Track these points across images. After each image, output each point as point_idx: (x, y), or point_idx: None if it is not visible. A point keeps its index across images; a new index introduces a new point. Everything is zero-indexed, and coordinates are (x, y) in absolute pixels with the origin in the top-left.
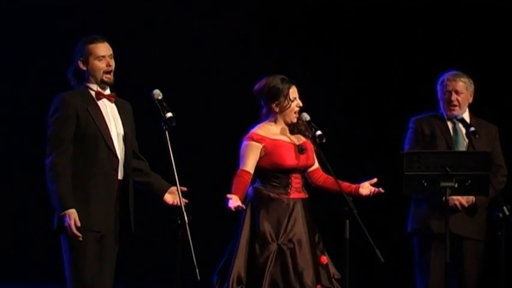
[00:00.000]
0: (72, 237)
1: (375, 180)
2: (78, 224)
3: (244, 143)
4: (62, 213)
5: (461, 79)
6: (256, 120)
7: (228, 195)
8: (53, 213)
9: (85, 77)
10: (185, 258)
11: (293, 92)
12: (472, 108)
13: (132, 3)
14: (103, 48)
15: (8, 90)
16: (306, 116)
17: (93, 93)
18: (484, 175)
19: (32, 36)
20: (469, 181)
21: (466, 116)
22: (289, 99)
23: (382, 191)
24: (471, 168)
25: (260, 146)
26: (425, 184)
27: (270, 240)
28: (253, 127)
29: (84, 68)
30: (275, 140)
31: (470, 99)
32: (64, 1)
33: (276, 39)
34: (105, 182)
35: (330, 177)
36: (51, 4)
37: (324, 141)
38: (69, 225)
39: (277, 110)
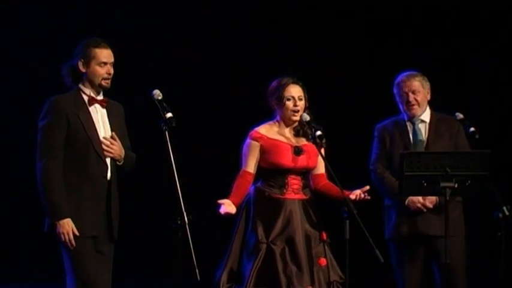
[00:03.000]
0: (66, 244)
1: (367, 187)
2: (76, 233)
3: (246, 141)
4: (57, 222)
5: (416, 78)
6: (257, 120)
7: (220, 201)
8: (44, 216)
9: (81, 78)
10: (185, 258)
11: (292, 91)
12: (431, 103)
13: (133, 2)
14: (106, 55)
15: (5, 91)
16: (306, 116)
17: (85, 97)
18: (484, 175)
19: (31, 36)
20: (469, 181)
21: (427, 114)
22: (284, 96)
23: (368, 198)
24: (471, 168)
25: (258, 144)
26: (425, 184)
27: (260, 238)
28: (258, 125)
29: (84, 70)
30: (273, 139)
31: (429, 97)
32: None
33: (278, 39)
34: (95, 188)
35: (328, 182)
36: (51, 3)
37: (324, 141)
38: (64, 234)
39: (275, 107)
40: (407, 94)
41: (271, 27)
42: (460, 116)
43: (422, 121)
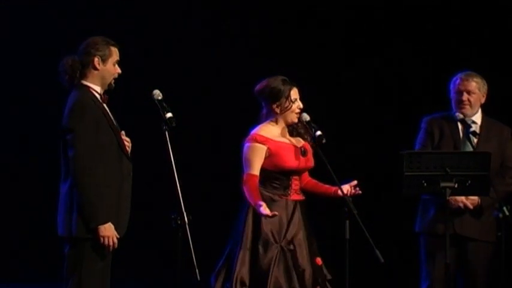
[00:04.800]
0: (106, 247)
1: (355, 182)
2: (117, 236)
3: (248, 145)
4: (100, 226)
5: (474, 79)
6: (256, 120)
7: (259, 202)
8: (69, 219)
9: (89, 75)
10: (185, 258)
11: (294, 93)
12: (484, 108)
13: (132, 2)
14: (118, 54)
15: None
16: (306, 116)
17: (97, 95)
18: (484, 175)
19: (30, 36)
20: (469, 181)
21: (478, 116)
22: (290, 100)
23: (360, 192)
24: (471, 168)
25: (264, 147)
26: (425, 184)
27: (272, 241)
28: (253, 128)
29: (99, 68)
30: (278, 141)
31: (483, 100)
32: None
33: (277, 39)
34: (127, 187)
35: (312, 180)
36: (49, 3)
37: (324, 141)
38: (109, 237)
39: (278, 110)
40: (461, 93)
41: (270, 26)
42: (460, 116)
43: (474, 122)
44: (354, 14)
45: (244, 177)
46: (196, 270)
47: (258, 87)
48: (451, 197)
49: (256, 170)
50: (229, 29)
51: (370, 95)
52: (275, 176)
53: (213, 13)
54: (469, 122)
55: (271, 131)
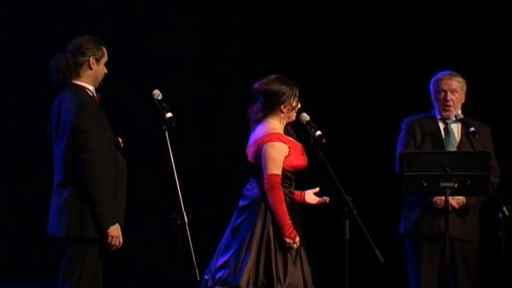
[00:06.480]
0: (112, 247)
1: (317, 189)
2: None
3: (273, 144)
4: (111, 226)
5: (456, 78)
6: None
7: (297, 236)
8: (80, 221)
9: (83, 75)
10: (185, 258)
11: (298, 92)
12: (465, 108)
13: (132, 2)
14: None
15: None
16: (306, 116)
17: (90, 94)
18: (484, 175)
19: (30, 36)
20: (469, 181)
21: (460, 116)
22: (297, 100)
23: (327, 201)
24: (471, 168)
25: (286, 146)
26: (425, 184)
27: (297, 241)
28: (263, 127)
29: (93, 67)
30: (291, 140)
31: (463, 99)
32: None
33: (274, 39)
34: (123, 185)
35: None
36: (49, 3)
37: (323, 141)
38: (117, 238)
39: (285, 110)
40: (445, 93)
41: (270, 26)
42: (460, 115)
43: (455, 121)
44: (354, 13)
45: (269, 179)
46: (196, 270)
47: (261, 86)
48: (436, 197)
49: (280, 170)
50: (230, 28)
51: (369, 95)
52: (287, 175)
53: (213, 12)
54: (450, 121)
55: (281, 129)
